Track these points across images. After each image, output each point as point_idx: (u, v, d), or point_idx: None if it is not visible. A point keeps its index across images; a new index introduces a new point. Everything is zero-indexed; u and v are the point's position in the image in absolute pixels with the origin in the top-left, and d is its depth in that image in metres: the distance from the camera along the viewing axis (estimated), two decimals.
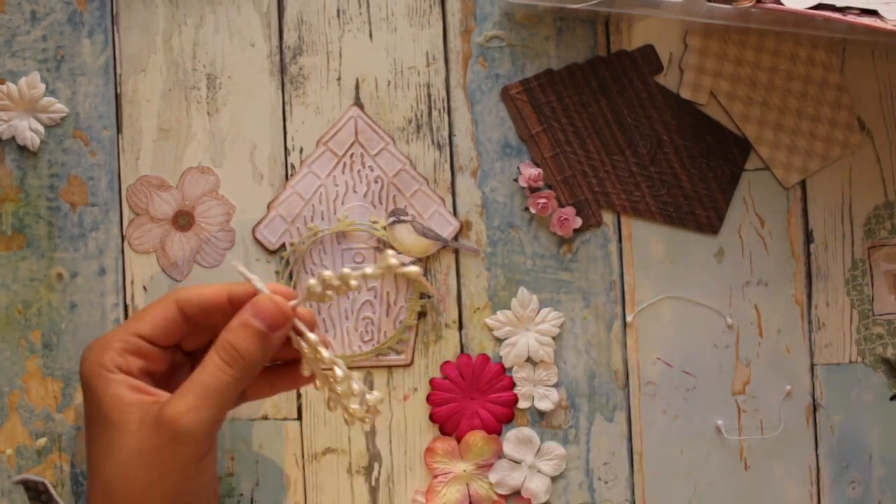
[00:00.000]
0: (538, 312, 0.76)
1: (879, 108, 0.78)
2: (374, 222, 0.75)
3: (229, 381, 0.53)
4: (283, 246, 0.75)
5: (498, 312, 0.76)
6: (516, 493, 0.75)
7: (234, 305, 0.56)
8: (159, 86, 0.75)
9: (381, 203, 0.75)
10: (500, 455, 0.75)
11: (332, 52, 0.76)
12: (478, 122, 0.76)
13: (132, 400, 0.53)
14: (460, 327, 0.76)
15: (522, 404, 0.76)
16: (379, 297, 0.75)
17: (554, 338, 0.76)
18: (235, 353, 0.53)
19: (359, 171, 0.75)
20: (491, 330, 0.76)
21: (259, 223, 0.75)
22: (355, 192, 0.75)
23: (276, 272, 0.75)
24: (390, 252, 0.54)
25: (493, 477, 0.75)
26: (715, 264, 0.77)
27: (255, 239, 0.75)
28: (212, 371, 0.53)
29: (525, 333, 0.76)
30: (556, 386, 0.76)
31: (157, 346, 0.56)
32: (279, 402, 0.74)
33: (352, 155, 0.75)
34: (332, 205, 0.75)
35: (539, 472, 0.75)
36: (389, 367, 0.75)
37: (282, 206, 0.75)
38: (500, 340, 0.76)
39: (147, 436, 0.52)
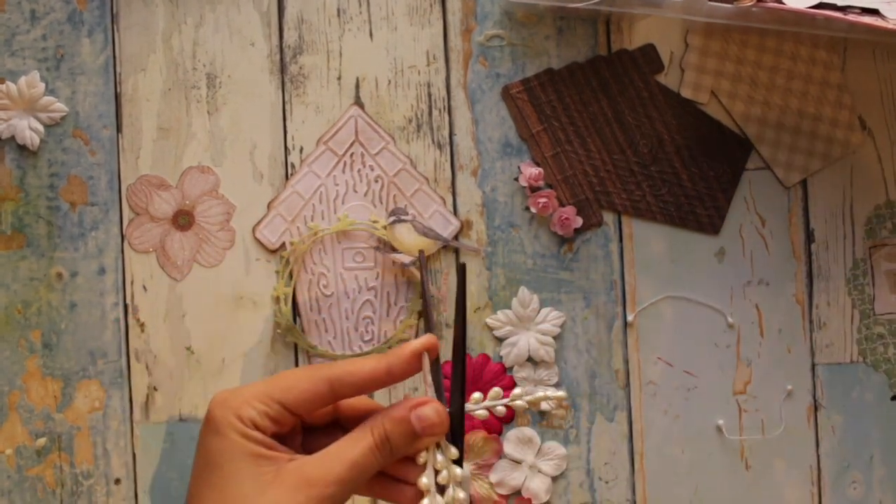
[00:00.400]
0: (539, 312, 0.76)
1: (881, 107, 0.78)
2: (375, 221, 0.75)
3: (374, 464, 0.56)
4: (283, 245, 0.75)
5: (498, 312, 0.76)
6: (517, 493, 0.75)
7: (392, 376, 0.58)
8: (159, 85, 0.75)
9: (381, 202, 0.75)
10: (500, 455, 0.75)
11: (333, 52, 0.76)
12: (478, 121, 0.76)
13: (270, 456, 0.55)
14: None
15: None
16: (379, 297, 0.75)
17: (555, 337, 0.76)
18: (388, 443, 0.56)
19: (359, 171, 0.75)
20: (491, 329, 0.76)
21: (259, 222, 0.75)
22: (355, 191, 0.75)
23: (277, 272, 0.75)
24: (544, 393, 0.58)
25: (493, 477, 0.75)
26: (716, 264, 0.77)
27: (256, 238, 0.75)
28: (364, 451, 0.55)
29: (525, 333, 0.76)
30: (556, 385, 0.76)
31: (293, 415, 0.58)
32: None
33: (352, 154, 0.75)
34: (333, 204, 0.75)
35: (540, 472, 0.75)
36: None
37: (282, 205, 0.75)
38: (500, 340, 0.76)
39: (285, 492, 0.54)
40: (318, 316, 0.75)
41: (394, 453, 0.56)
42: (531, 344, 0.75)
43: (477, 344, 0.76)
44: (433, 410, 0.57)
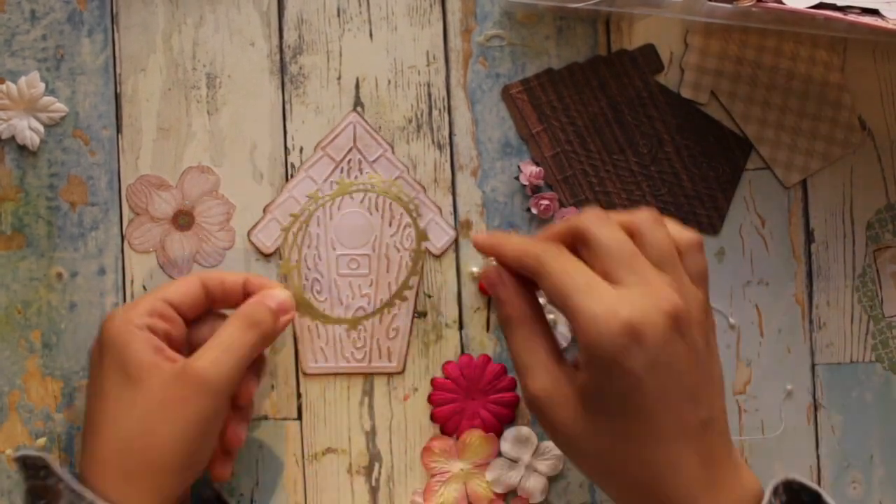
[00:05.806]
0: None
1: (880, 107, 0.78)
2: (372, 178, 0.75)
3: (246, 341, 0.63)
4: (277, 250, 0.75)
5: None
6: (513, 493, 0.75)
7: (247, 293, 0.67)
8: (159, 85, 0.75)
9: (377, 210, 0.75)
10: (497, 454, 0.75)
11: (333, 52, 0.76)
12: (478, 121, 0.76)
13: (154, 360, 0.61)
14: (461, 327, 0.76)
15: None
16: (372, 304, 0.75)
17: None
18: (252, 320, 0.64)
19: (356, 178, 0.75)
20: None
21: (254, 227, 0.75)
22: (352, 197, 0.75)
23: (278, 268, 0.75)
24: None
25: (489, 475, 0.75)
26: (715, 264, 0.77)
27: (250, 242, 0.75)
28: (231, 332, 0.63)
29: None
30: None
31: (180, 315, 0.65)
32: (279, 402, 0.74)
33: (349, 161, 0.75)
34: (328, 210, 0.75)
35: (536, 471, 0.75)
36: (381, 373, 0.75)
37: (278, 209, 0.75)
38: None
39: (170, 390, 0.60)
40: (311, 321, 0.75)
41: (264, 333, 0.64)
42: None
43: (477, 344, 0.76)
44: (280, 290, 0.68)
